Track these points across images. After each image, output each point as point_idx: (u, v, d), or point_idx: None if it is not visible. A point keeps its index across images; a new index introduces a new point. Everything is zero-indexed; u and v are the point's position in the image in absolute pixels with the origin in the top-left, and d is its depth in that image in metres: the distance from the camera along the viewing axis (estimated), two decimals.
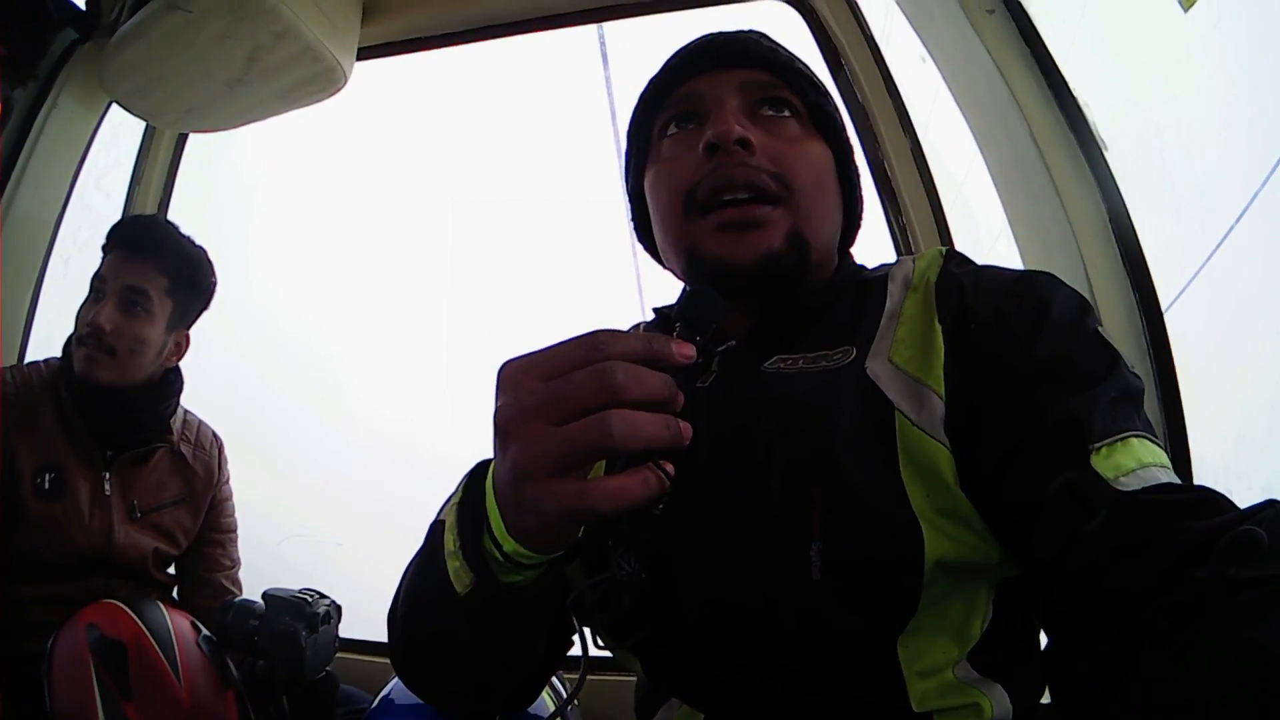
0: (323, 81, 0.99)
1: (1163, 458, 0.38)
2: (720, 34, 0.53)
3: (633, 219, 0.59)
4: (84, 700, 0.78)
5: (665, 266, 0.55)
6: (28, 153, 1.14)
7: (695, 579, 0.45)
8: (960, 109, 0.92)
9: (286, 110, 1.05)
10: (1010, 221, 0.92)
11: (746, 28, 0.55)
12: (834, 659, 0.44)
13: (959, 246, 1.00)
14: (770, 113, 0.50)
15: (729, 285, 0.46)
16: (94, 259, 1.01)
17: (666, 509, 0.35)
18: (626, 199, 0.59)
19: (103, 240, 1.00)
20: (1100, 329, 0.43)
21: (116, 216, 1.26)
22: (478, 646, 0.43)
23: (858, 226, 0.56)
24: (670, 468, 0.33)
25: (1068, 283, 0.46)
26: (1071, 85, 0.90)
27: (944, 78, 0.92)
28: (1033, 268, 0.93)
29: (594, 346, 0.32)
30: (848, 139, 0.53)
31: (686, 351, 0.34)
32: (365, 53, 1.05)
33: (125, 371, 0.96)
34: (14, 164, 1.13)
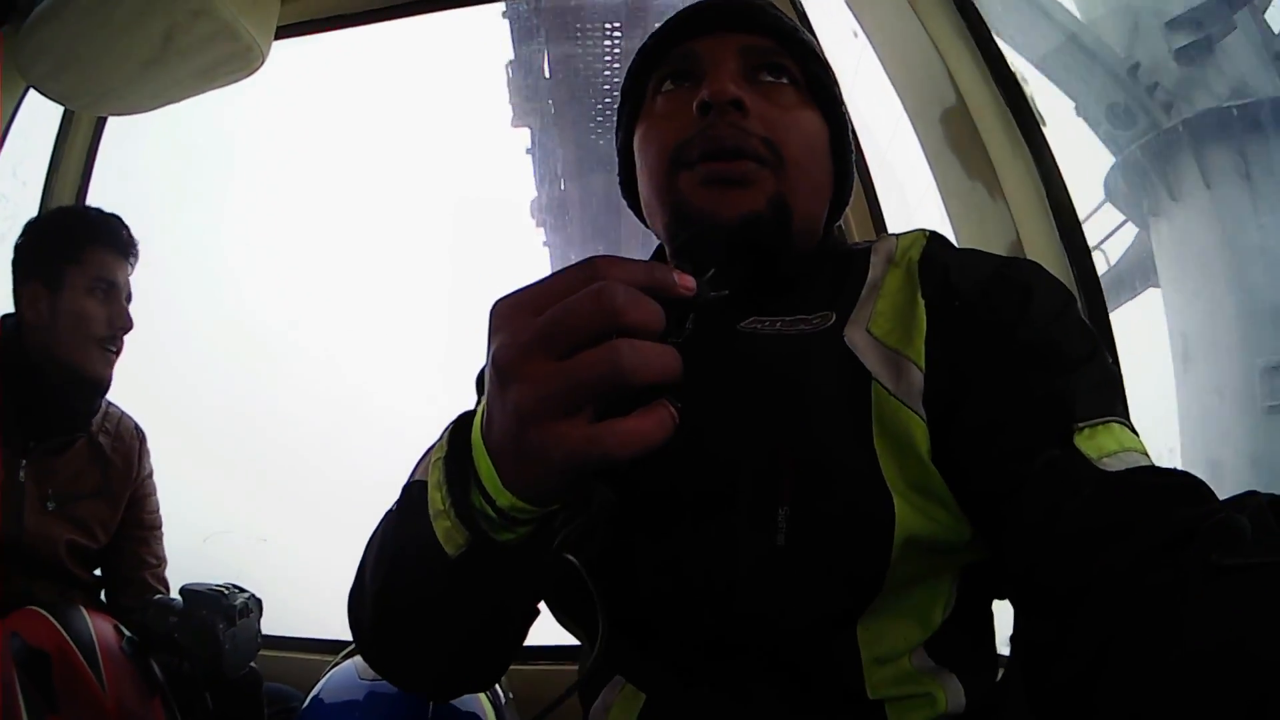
0: (240, 61, 0.97)
1: (1142, 446, 0.38)
2: None
3: (619, 174, 0.58)
4: (10, 712, 0.75)
5: (648, 225, 0.55)
6: None
7: (653, 542, 0.44)
8: (894, 86, 0.92)
9: (204, 90, 1.03)
10: (944, 199, 0.92)
11: None
12: (791, 638, 0.43)
13: (887, 213, 1.00)
14: (769, 78, 0.49)
15: (710, 242, 0.44)
16: (8, 250, 0.98)
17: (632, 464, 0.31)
18: (616, 154, 0.57)
19: (63, 224, 0.99)
20: (1082, 317, 0.43)
21: (34, 205, 1.23)
22: (464, 615, 0.39)
23: (846, 202, 0.55)
24: (675, 405, 0.30)
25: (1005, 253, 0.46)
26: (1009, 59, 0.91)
27: (878, 54, 0.92)
28: (966, 242, 0.94)
29: (590, 271, 0.29)
30: (844, 114, 0.52)
31: (688, 283, 0.30)
32: (284, 31, 1.02)
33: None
34: None
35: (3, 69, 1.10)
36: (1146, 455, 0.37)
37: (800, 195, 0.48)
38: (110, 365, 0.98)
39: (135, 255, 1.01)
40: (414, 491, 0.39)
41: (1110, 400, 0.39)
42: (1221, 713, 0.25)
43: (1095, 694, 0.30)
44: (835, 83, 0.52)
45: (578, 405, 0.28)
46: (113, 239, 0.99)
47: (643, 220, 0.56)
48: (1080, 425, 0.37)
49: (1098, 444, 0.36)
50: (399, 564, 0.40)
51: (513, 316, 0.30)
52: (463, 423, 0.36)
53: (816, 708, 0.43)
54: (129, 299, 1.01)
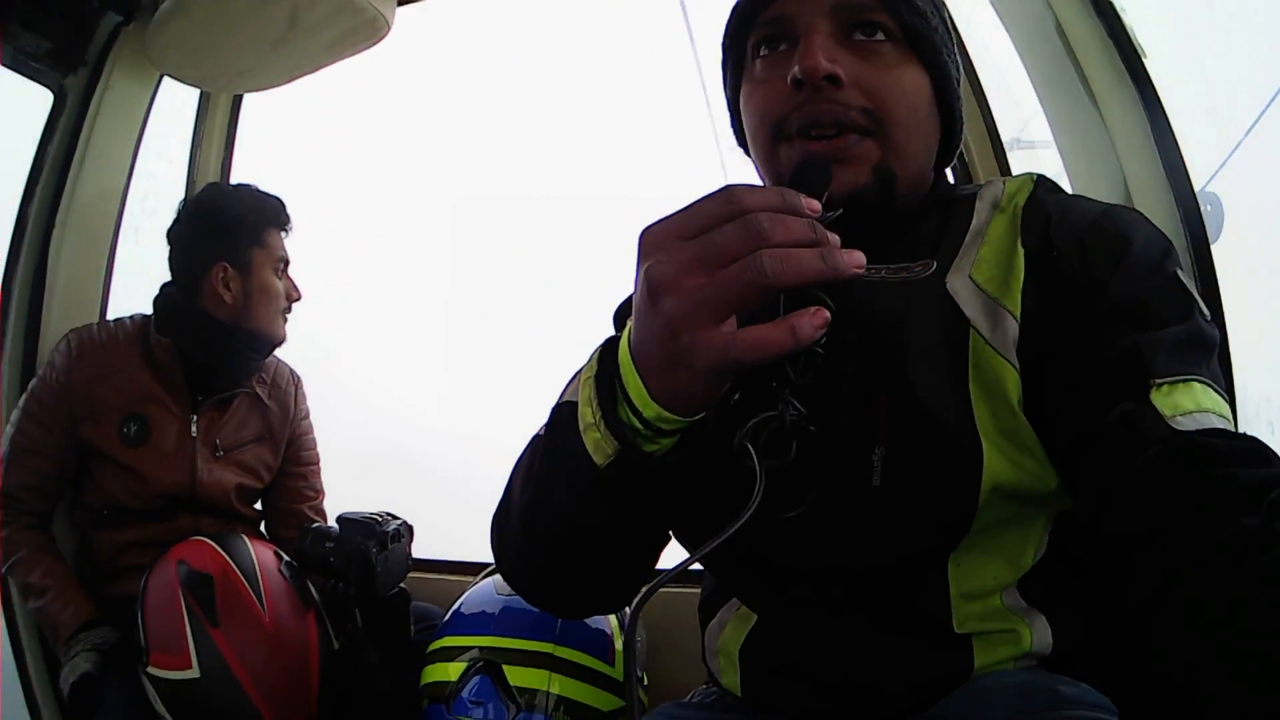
0: (365, 31, 1.01)
1: (1223, 407, 0.38)
2: None
3: (733, 126, 0.58)
4: (175, 630, 0.86)
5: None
6: (87, 134, 1.20)
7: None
8: (999, 17, 0.90)
9: (335, 62, 1.09)
10: (1053, 130, 0.90)
11: None
12: (884, 571, 0.45)
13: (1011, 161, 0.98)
14: (862, 37, 0.47)
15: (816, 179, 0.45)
16: (162, 225, 1.08)
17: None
18: (727, 107, 0.58)
19: (243, 212, 1.08)
20: (1179, 272, 0.42)
21: (181, 182, 1.33)
22: (610, 525, 0.42)
23: (955, 149, 0.54)
24: (829, 305, 0.33)
25: (1111, 198, 0.46)
26: None
27: None
28: (1074, 175, 0.92)
29: (729, 200, 0.33)
30: (945, 61, 0.50)
31: (814, 205, 0.34)
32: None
33: None
34: (74, 147, 1.20)
35: (135, 62, 1.20)
36: (1226, 418, 0.37)
37: (905, 156, 0.48)
38: (285, 328, 1.12)
39: (291, 229, 1.13)
40: (564, 410, 0.42)
41: (1195, 360, 0.39)
42: (1271, 670, 0.26)
43: (1151, 640, 0.31)
44: (935, 29, 0.49)
45: (728, 311, 0.32)
46: (282, 220, 1.11)
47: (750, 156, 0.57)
48: (1159, 381, 0.37)
49: (1174, 401, 0.36)
50: (548, 476, 0.43)
51: (663, 241, 0.34)
52: (610, 345, 0.40)
53: (906, 635, 0.45)
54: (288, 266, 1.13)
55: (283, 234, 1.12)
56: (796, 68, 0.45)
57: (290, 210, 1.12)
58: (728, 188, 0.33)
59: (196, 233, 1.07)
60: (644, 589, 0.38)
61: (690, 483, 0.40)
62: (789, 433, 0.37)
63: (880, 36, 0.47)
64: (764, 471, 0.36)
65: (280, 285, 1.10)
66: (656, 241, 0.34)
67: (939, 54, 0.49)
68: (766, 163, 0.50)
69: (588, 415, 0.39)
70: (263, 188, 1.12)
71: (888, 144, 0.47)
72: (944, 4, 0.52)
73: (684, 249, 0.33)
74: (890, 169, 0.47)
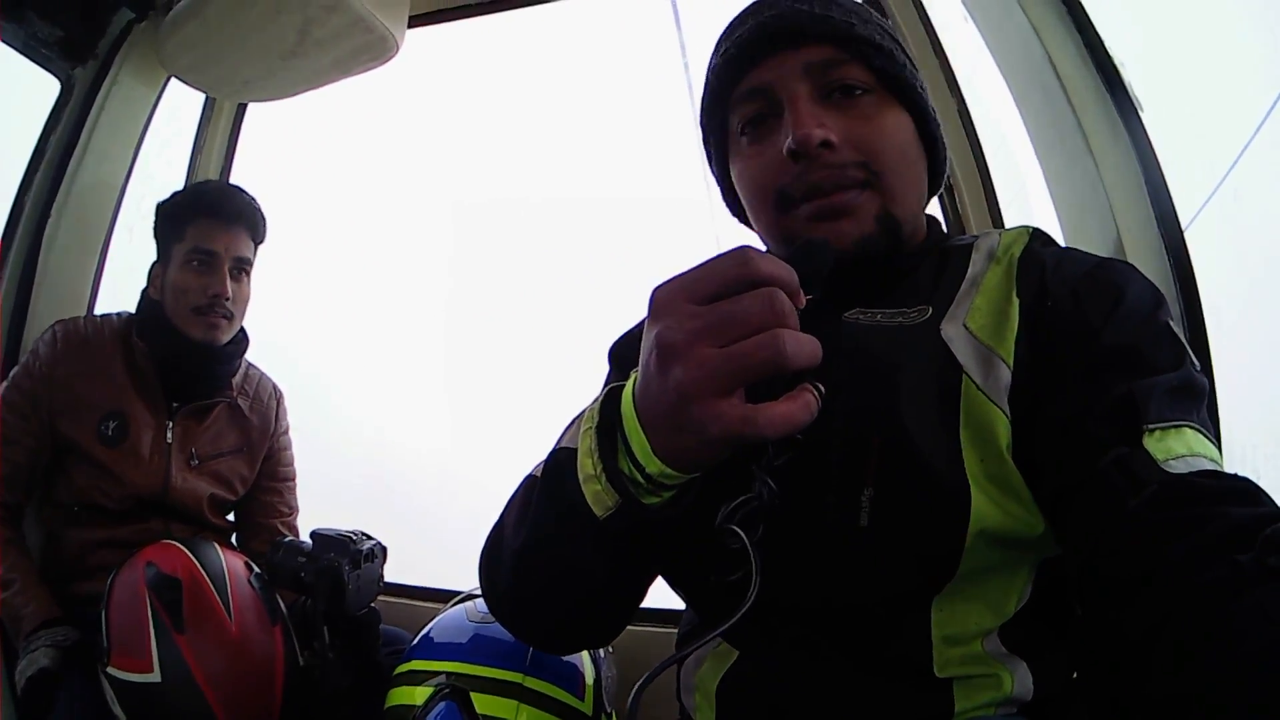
0: (375, 50, 1.03)
1: (1214, 453, 0.38)
2: (770, 10, 0.50)
3: (725, 198, 0.59)
4: (138, 631, 0.84)
5: (754, 230, 0.57)
6: (90, 127, 1.20)
7: None
8: (998, 66, 0.92)
9: (341, 78, 1.10)
10: (1047, 181, 0.91)
11: None
12: (867, 612, 0.45)
13: (1003, 204, 0.99)
14: (840, 97, 0.49)
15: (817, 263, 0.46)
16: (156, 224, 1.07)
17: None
18: (714, 178, 0.59)
19: (166, 203, 1.05)
20: (1171, 323, 0.44)
21: (180, 185, 1.32)
22: (607, 573, 0.43)
23: (943, 173, 0.56)
24: (819, 388, 0.34)
25: (1104, 249, 0.46)
26: (1107, 44, 0.89)
27: (982, 36, 0.92)
28: (1068, 227, 0.93)
29: (742, 264, 0.33)
30: (919, 95, 0.51)
31: (803, 299, 0.34)
32: (417, 20, 1.08)
33: (234, 330, 1.06)
34: (77, 138, 1.20)
35: (144, 61, 1.21)
36: (1216, 462, 0.38)
37: (901, 199, 0.49)
38: (214, 330, 1.02)
39: (249, 223, 1.04)
40: (561, 457, 0.43)
41: (1186, 406, 0.39)
42: (1265, 708, 0.26)
43: (1146, 680, 0.31)
44: (904, 66, 0.50)
45: (737, 386, 0.32)
46: (214, 209, 1.02)
47: (748, 225, 0.57)
48: (1151, 426, 0.37)
49: (1166, 446, 0.37)
50: (543, 524, 0.43)
51: (675, 303, 0.34)
52: (611, 395, 0.40)
53: (887, 678, 0.45)
54: (241, 265, 1.03)
55: (222, 227, 1.02)
56: (790, 139, 0.46)
57: (278, 214, 1.07)
58: (743, 250, 0.34)
59: (154, 232, 1.06)
60: (645, 675, 0.38)
61: (683, 531, 0.40)
62: (762, 513, 0.38)
63: (858, 92, 0.49)
64: (757, 554, 0.36)
65: (194, 281, 1.00)
66: (667, 304, 0.34)
67: (913, 89, 0.51)
68: (772, 232, 0.51)
69: (588, 466, 0.39)
70: (259, 195, 1.09)
71: (885, 192, 0.48)
72: (898, 30, 0.53)
73: (697, 316, 0.33)
74: (892, 215, 0.49)
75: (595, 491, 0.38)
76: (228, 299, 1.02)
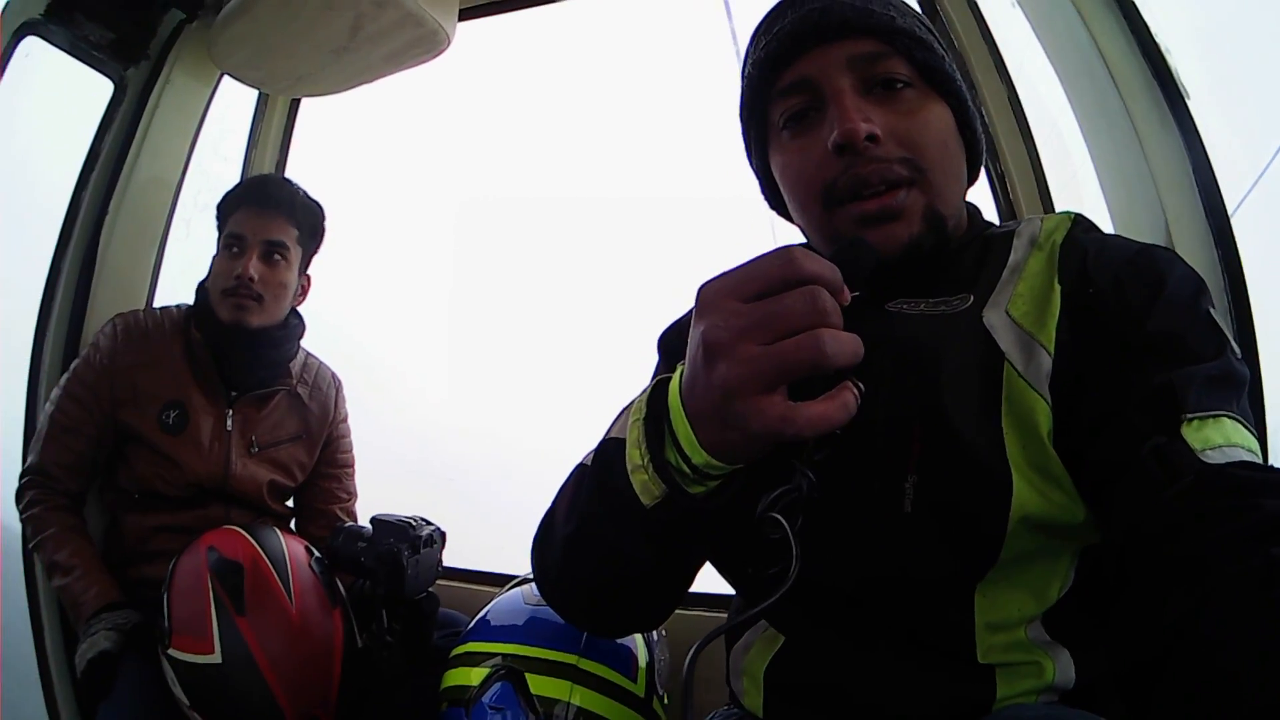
0: (426, 44, 1.04)
1: (1253, 443, 0.39)
2: (812, 3, 0.50)
3: (764, 191, 0.59)
4: (200, 614, 0.86)
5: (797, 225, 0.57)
6: (145, 125, 1.24)
7: None
8: (1046, 54, 0.92)
9: (394, 72, 1.11)
10: (1096, 167, 0.91)
11: None
12: (911, 598, 0.46)
13: (1053, 190, 0.99)
14: (883, 91, 0.49)
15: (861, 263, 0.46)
16: (214, 219, 1.10)
17: None
18: (753, 173, 0.59)
19: (220, 199, 1.09)
20: (1212, 310, 0.44)
21: (236, 180, 1.34)
22: (655, 560, 0.44)
23: (978, 169, 0.56)
24: (860, 386, 0.35)
25: (1152, 237, 0.46)
26: (1154, 30, 0.89)
27: (1030, 24, 0.92)
28: (1117, 214, 0.93)
29: (788, 263, 0.34)
30: (959, 86, 0.51)
31: (847, 296, 0.35)
32: (468, 13, 1.10)
33: (270, 315, 1.07)
34: (132, 137, 1.24)
35: (196, 59, 1.24)
36: (1254, 452, 0.38)
37: (945, 194, 0.49)
38: (240, 312, 1.03)
39: (286, 209, 1.05)
40: (610, 447, 0.44)
41: (1226, 396, 0.39)
42: None
43: (1178, 671, 0.32)
44: (943, 59, 0.50)
45: (778, 384, 0.33)
46: (250, 197, 1.05)
47: (787, 218, 0.57)
48: (1190, 416, 0.38)
49: (1204, 436, 0.37)
50: (593, 512, 0.45)
51: (720, 301, 0.35)
52: (659, 388, 0.41)
53: (930, 663, 0.46)
54: (273, 248, 1.04)
55: (256, 214, 1.04)
56: (835, 133, 0.46)
57: (340, 206, 1.08)
58: (787, 249, 0.35)
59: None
60: (697, 643, 0.40)
61: (728, 518, 0.41)
62: (802, 504, 0.39)
63: (900, 85, 0.48)
64: (797, 542, 0.37)
65: (223, 265, 1.03)
66: (713, 300, 0.35)
67: (952, 81, 0.50)
68: (817, 228, 0.51)
69: (636, 457, 0.40)
70: (318, 189, 1.11)
71: (930, 188, 0.48)
72: (930, 23, 0.53)
73: (741, 314, 0.34)
74: (937, 211, 0.49)
75: (643, 481, 0.40)
76: (252, 279, 1.02)
